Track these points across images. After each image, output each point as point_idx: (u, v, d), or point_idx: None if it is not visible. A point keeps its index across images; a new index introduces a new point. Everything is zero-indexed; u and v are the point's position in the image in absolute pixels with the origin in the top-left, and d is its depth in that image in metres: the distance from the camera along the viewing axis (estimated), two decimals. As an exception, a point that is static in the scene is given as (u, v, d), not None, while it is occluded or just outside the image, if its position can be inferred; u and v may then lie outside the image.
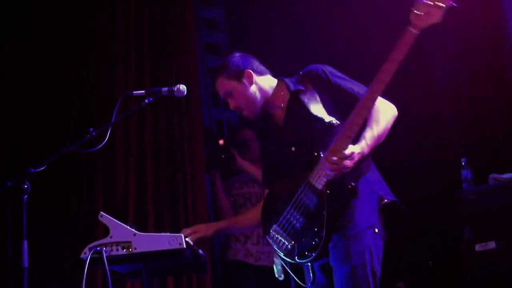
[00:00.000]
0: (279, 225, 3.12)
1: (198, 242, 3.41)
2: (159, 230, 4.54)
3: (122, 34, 5.14)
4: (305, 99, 3.14)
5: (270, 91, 3.30)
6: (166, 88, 3.34)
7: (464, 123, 5.44)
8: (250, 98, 3.27)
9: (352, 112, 2.88)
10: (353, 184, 2.96)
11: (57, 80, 4.91)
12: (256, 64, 3.35)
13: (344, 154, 2.83)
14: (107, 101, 4.89)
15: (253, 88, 3.27)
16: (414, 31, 2.76)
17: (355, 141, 2.92)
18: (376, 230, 3.00)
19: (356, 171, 2.98)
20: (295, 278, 3.23)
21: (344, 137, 2.87)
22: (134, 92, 3.38)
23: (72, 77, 4.98)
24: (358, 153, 2.89)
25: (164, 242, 3.08)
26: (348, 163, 2.85)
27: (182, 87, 3.35)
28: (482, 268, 4.66)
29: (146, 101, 3.32)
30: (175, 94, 3.35)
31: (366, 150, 2.94)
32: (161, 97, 3.37)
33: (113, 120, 3.32)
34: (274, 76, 3.37)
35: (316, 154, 2.98)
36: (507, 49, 5.29)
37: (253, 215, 3.51)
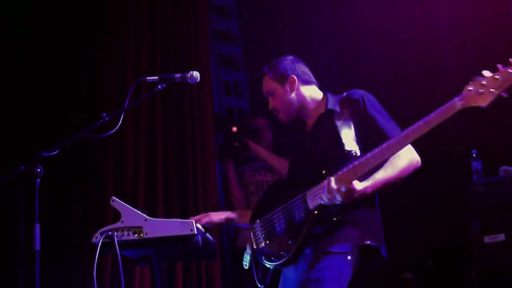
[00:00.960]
0: (263, 221, 3.19)
1: (208, 230, 3.44)
2: (169, 217, 4.56)
3: (134, 20, 5.15)
4: (338, 122, 3.12)
5: (310, 101, 3.33)
6: (179, 75, 3.35)
7: (475, 114, 5.41)
8: (288, 103, 3.32)
9: (371, 151, 2.84)
10: (339, 217, 2.94)
11: (69, 66, 4.93)
12: (304, 72, 3.38)
13: (346, 187, 2.81)
14: (118, 86, 4.92)
15: (293, 95, 3.32)
16: (460, 105, 2.71)
17: (365, 177, 2.88)
18: (349, 258, 2.97)
19: (351, 205, 2.95)
20: (254, 272, 3.31)
21: (353, 172, 2.84)
22: (147, 78, 3.38)
23: (84, 62, 5.00)
24: (359, 190, 2.85)
25: (175, 228, 3.10)
26: (344, 196, 2.82)
27: (196, 74, 3.35)
28: (491, 260, 4.65)
29: (159, 87, 3.33)
30: (188, 80, 3.36)
31: (368, 190, 2.90)
32: (172, 83, 3.38)
33: (126, 105, 3.33)
34: (320, 88, 3.40)
35: (324, 173, 2.96)
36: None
37: None
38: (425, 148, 5.52)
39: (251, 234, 3.26)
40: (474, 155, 5.02)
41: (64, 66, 4.92)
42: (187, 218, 3.37)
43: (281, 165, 4.45)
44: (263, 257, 3.17)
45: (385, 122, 3.09)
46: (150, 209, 4.60)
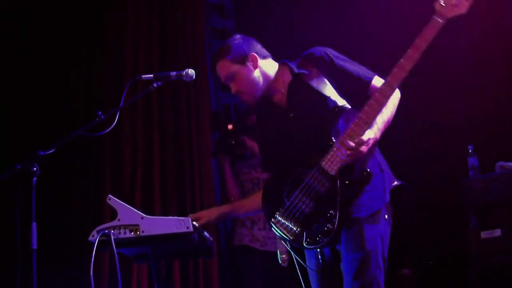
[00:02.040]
0: (285, 211, 3.06)
1: (204, 226, 3.43)
2: (166, 215, 4.56)
3: (132, 18, 5.16)
4: (313, 83, 3.10)
5: (273, 75, 3.25)
6: (174, 73, 3.33)
7: (472, 110, 5.43)
8: (253, 82, 3.22)
9: (371, 97, 2.89)
10: (368, 170, 2.94)
11: (65, 65, 4.94)
12: (259, 47, 3.30)
13: (362, 140, 2.84)
14: (115, 85, 4.92)
15: (257, 72, 3.23)
16: (440, 20, 2.83)
17: None
18: (386, 217, 3.02)
19: (368, 155, 2.99)
20: (302, 263, 3.22)
21: (362, 123, 2.86)
22: (143, 76, 3.37)
23: (81, 61, 5.01)
24: (374, 138, 2.91)
25: (171, 225, 3.10)
26: (364, 148, 2.87)
27: (191, 72, 3.34)
28: (488, 256, 4.66)
29: (155, 85, 3.31)
30: (184, 78, 3.35)
31: (378, 135, 2.96)
32: (168, 81, 3.37)
33: (121, 104, 3.32)
34: (276, 60, 3.33)
35: (330, 141, 2.96)
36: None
37: (257, 198, 3.44)
38: (422, 144, 5.58)
39: (276, 228, 3.11)
40: (470, 151, 5.03)
41: (60, 64, 4.93)
42: (184, 215, 3.37)
43: None
44: (305, 243, 3.02)
45: (354, 67, 3.11)
46: (147, 207, 4.63)
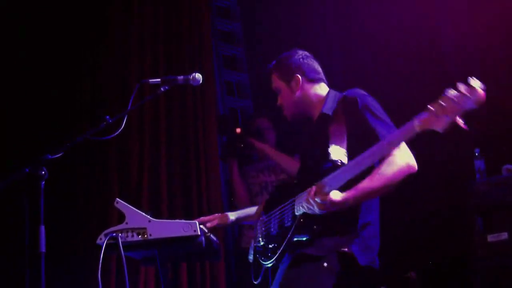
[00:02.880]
0: (264, 219, 3.20)
1: (212, 230, 3.44)
2: (172, 218, 4.58)
3: (137, 22, 5.18)
4: (331, 127, 2.99)
5: (315, 101, 3.19)
6: (181, 77, 3.35)
7: (478, 113, 5.42)
8: (292, 103, 3.21)
9: (348, 163, 2.76)
10: (320, 227, 2.83)
11: (72, 68, 4.96)
12: (311, 69, 3.23)
13: (320, 198, 2.71)
14: (121, 88, 4.95)
15: (298, 94, 3.19)
16: (417, 129, 2.50)
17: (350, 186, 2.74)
18: (325, 264, 2.85)
19: (338, 216, 2.81)
20: (252, 268, 3.28)
21: (336, 181, 2.72)
22: (150, 80, 3.40)
23: (87, 65, 5.03)
24: (337, 202, 2.70)
25: (179, 228, 3.11)
26: (321, 207, 2.71)
27: (198, 76, 3.36)
28: (495, 259, 4.65)
29: (162, 89, 3.34)
30: (191, 82, 3.37)
31: (351, 202, 2.73)
32: (175, 85, 3.39)
33: (129, 108, 3.36)
34: (329, 85, 3.26)
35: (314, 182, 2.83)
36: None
37: None
38: (428, 147, 5.57)
39: (255, 229, 3.24)
40: (477, 154, 5.02)
41: (67, 69, 4.96)
42: (191, 219, 3.38)
43: (287, 162, 4.45)
44: (257, 255, 3.17)
45: (378, 123, 2.89)
46: (154, 210, 4.64)
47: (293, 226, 2.90)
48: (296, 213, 2.90)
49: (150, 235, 3.11)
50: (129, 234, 3.13)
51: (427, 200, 5.41)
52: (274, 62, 3.29)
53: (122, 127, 3.25)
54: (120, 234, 3.10)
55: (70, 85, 4.96)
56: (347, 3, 6.06)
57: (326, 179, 2.75)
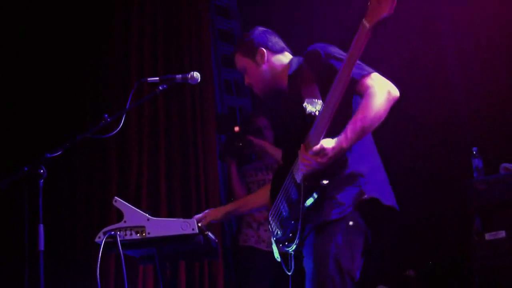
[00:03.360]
0: (272, 211, 3.08)
1: (209, 227, 3.44)
2: (172, 216, 4.59)
3: (136, 21, 5.19)
4: (301, 83, 2.93)
5: (280, 70, 3.15)
6: (180, 76, 3.37)
7: (476, 112, 5.44)
8: (260, 77, 3.15)
9: (325, 102, 2.65)
10: (324, 182, 2.69)
11: (72, 68, 4.97)
12: (274, 41, 3.21)
13: (315, 150, 2.62)
14: (121, 87, 4.95)
15: (265, 67, 3.15)
16: (367, 25, 2.46)
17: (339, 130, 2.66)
18: (351, 223, 2.76)
19: (338, 164, 2.75)
20: (282, 264, 3.15)
21: (317, 131, 2.66)
22: (149, 79, 3.41)
23: (87, 63, 5.04)
24: (333, 148, 2.63)
25: (177, 227, 3.13)
26: (320, 160, 2.63)
27: (196, 75, 3.37)
28: (492, 257, 4.67)
29: (160, 88, 3.35)
30: (189, 81, 3.38)
31: (345, 144, 2.65)
32: (174, 84, 3.39)
33: (127, 106, 3.36)
34: (293, 53, 3.23)
35: (297, 148, 2.77)
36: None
37: (262, 194, 3.44)
38: (426, 146, 5.59)
39: (269, 227, 3.13)
40: (474, 152, 5.04)
41: (67, 68, 4.96)
42: (190, 217, 3.40)
43: None
44: (281, 245, 3.01)
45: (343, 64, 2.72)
46: (153, 209, 4.66)
47: (301, 193, 2.76)
48: (298, 181, 2.80)
49: (149, 233, 3.13)
50: (128, 232, 3.14)
51: (425, 199, 5.42)
52: (237, 43, 3.23)
53: (121, 125, 3.26)
54: (118, 233, 3.12)
55: (69, 84, 4.96)
56: (347, 4, 6.06)
57: (308, 135, 2.70)
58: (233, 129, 5.11)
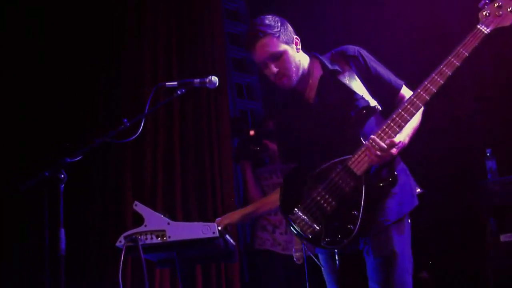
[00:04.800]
0: (306, 207, 2.98)
1: (227, 231, 3.44)
2: (187, 220, 4.60)
3: (150, 25, 5.21)
4: (344, 80, 3.03)
5: (305, 66, 3.15)
6: (198, 80, 3.34)
7: (490, 113, 5.43)
8: (296, 66, 3.08)
9: (407, 100, 2.88)
10: (395, 174, 2.91)
11: (87, 73, 5.00)
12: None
13: (394, 142, 2.82)
14: (134, 91, 4.97)
15: (298, 57, 3.11)
16: (484, 30, 2.90)
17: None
18: (409, 221, 3.03)
19: (395, 160, 3.00)
20: (318, 263, 3.16)
21: (395, 126, 2.85)
22: (167, 83, 3.38)
23: (102, 68, 5.07)
24: (403, 142, 2.90)
25: (197, 230, 3.14)
26: (394, 151, 2.85)
27: (214, 79, 3.36)
28: (507, 259, 4.67)
29: (179, 92, 3.33)
30: (207, 85, 3.36)
31: (407, 140, 2.95)
32: (191, 88, 3.38)
33: (146, 111, 3.34)
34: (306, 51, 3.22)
35: (359, 141, 2.91)
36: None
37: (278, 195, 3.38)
38: (441, 148, 5.58)
39: (293, 225, 3.00)
40: (488, 154, 5.04)
41: (80, 71, 4.99)
42: (205, 221, 3.39)
43: None
44: (323, 242, 2.93)
45: (389, 73, 3.13)
46: (168, 212, 4.66)
47: (364, 186, 2.87)
48: (359, 173, 2.89)
49: (169, 237, 3.14)
50: (148, 236, 3.15)
51: (439, 201, 5.41)
52: (264, 26, 3.07)
53: (140, 129, 3.25)
54: (139, 237, 3.13)
55: (83, 88, 4.99)
56: (355, 5, 6.06)
57: (385, 126, 2.86)
58: (248, 132, 5.11)
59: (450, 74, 2.86)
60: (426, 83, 2.86)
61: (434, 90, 2.86)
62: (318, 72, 3.14)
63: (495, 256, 4.76)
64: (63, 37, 4.98)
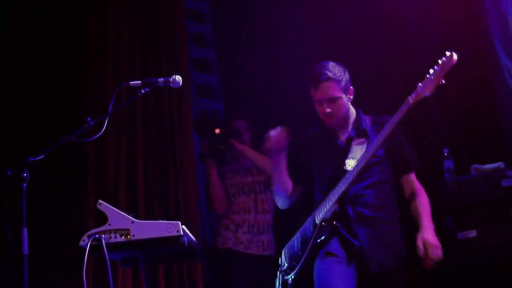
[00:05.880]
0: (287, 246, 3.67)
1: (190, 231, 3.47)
2: (150, 218, 4.58)
3: (113, 27, 5.19)
4: (367, 142, 3.47)
5: (350, 116, 3.59)
6: (162, 79, 3.37)
7: (447, 113, 5.52)
8: (346, 113, 3.53)
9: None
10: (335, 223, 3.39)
11: (51, 71, 4.96)
12: None
13: (440, 257, 3.64)
14: (97, 92, 4.95)
15: (349, 105, 3.56)
16: (410, 101, 3.22)
17: None
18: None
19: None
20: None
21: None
22: (131, 82, 3.39)
23: (66, 67, 5.03)
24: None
25: (162, 229, 3.14)
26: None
27: (178, 78, 3.39)
28: (464, 256, 4.75)
29: (142, 91, 3.35)
30: (171, 85, 3.39)
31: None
32: (155, 87, 3.40)
33: (109, 110, 3.35)
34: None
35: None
36: (487, 38, 5.35)
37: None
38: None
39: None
40: (446, 154, 5.12)
41: (47, 72, 4.95)
42: (168, 220, 3.39)
43: (266, 163, 4.50)
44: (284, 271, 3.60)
45: (408, 147, 3.63)
46: (132, 211, 4.65)
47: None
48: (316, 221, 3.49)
49: (133, 236, 3.13)
50: (112, 235, 3.14)
51: (398, 200, 5.47)
52: (331, 72, 3.44)
53: (104, 129, 3.25)
54: (103, 236, 3.12)
55: (49, 87, 4.94)
56: (320, 6, 6.09)
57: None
58: (214, 131, 5.11)
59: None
60: (377, 138, 3.34)
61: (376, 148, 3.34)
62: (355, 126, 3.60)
63: (453, 253, 4.83)
64: (26, 35, 4.93)
